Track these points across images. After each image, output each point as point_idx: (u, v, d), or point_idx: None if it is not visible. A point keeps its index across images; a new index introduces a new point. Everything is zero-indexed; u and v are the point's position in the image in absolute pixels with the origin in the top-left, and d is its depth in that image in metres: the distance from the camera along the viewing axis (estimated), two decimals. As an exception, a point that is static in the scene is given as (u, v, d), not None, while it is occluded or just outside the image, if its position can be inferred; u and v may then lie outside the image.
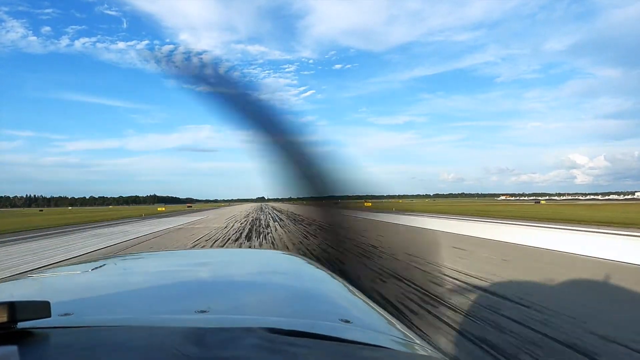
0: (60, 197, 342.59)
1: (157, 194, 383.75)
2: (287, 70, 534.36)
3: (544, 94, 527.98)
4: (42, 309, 0.57)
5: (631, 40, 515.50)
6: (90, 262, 1.41)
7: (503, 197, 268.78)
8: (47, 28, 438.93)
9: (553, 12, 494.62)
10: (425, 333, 3.69)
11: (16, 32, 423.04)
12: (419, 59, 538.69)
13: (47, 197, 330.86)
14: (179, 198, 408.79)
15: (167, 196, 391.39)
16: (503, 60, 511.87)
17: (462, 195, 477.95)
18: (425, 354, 0.78)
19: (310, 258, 1.56)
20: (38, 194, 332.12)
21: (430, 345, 0.85)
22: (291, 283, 1.22)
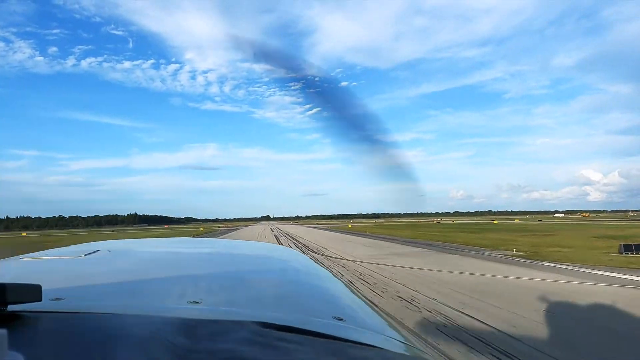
0: (21, 217, 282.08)
1: (137, 213, 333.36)
2: (292, 88, 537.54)
3: (554, 110, 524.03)
4: (33, 292, 0.58)
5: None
6: (83, 247, 1.41)
7: (584, 215, 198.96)
8: (54, 48, 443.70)
9: (562, 27, 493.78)
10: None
11: (23, 52, 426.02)
12: (426, 76, 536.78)
13: (2, 217, 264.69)
14: (170, 217, 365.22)
15: (155, 215, 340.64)
16: (512, 76, 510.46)
17: (490, 212, 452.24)
18: (419, 355, 0.77)
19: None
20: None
21: (425, 345, 0.84)
22: (287, 278, 1.21)
